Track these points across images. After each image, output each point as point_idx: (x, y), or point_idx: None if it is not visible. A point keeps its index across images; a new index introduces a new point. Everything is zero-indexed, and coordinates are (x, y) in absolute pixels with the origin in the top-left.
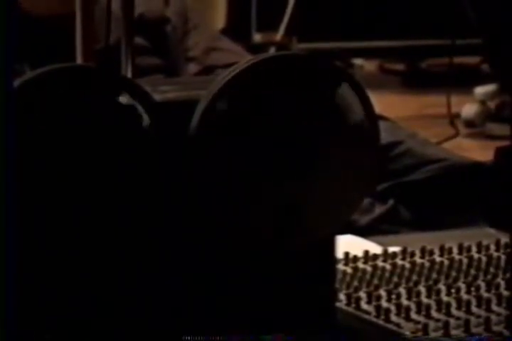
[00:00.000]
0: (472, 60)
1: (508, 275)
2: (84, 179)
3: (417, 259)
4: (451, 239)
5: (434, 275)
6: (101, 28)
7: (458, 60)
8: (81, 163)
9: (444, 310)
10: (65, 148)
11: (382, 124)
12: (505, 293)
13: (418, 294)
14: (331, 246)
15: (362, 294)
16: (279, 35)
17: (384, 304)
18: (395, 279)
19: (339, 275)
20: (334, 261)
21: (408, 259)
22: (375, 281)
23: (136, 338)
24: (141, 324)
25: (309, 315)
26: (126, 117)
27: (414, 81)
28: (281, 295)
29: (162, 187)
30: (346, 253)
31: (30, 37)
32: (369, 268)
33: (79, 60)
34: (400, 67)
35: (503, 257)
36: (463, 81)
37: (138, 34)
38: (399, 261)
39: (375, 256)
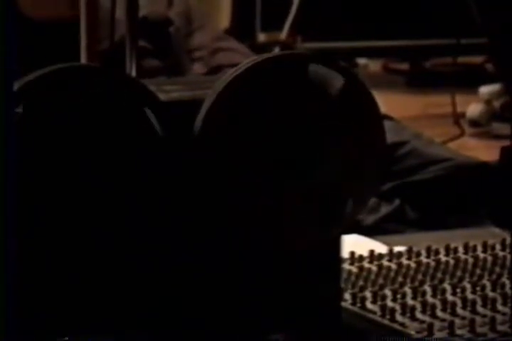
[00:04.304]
0: (477, 59)
1: None
2: (89, 180)
3: (423, 259)
4: (457, 238)
5: (440, 275)
6: (103, 29)
7: (462, 59)
8: (85, 163)
9: (449, 310)
10: (67, 148)
11: (386, 124)
12: (511, 292)
13: (423, 294)
14: (337, 245)
15: (367, 294)
16: (283, 35)
17: (389, 304)
18: (401, 279)
19: (344, 275)
20: (340, 260)
21: (414, 259)
22: (381, 281)
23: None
24: (142, 324)
25: (314, 315)
26: (131, 117)
27: (419, 80)
28: (286, 295)
29: (167, 187)
30: (352, 253)
31: (32, 41)
32: (374, 268)
33: (83, 61)
34: (404, 66)
35: (508, 257)
36: (468, 80)
37: (141, 36)
38: (404, 261)
39: (381, 256)
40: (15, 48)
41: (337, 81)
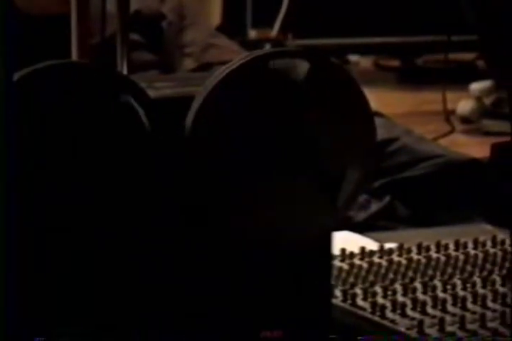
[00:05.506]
0: (468, 56)
1: (504, 271)
2: (78, 178)
3: (414, 255)
4: (448, 235)
5: (430, 272)
6: (95, 24)
7: (453, 56)
8: (75, 161)
9: (439, 307)
10: (59, 145)
11: (377, 121)
12: (501, 289)
13: (414, 290)
14: (328, 242)
15: (358, 290)
16: (274, 32)
17: (380, 300)
18: (391, 275)
19: (335, 272)
20: (330, 257)
21: (404, 256)
22: (371, 278)
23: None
24: (139, 321)
25: (305, 311)
26: (122, 114)
27: (410, 77)
28: (276, 292)
29: (158, 184)
30: (342, 250)
31: (25, 36)
32: (365, 265)
33: (74, 57)
34: (395, 63)
35: (499, 253)
36: (459, 77)
37: (134, 30)
38: (395, 258)
39: (372, 253)
40: (15, 46)
41: (329, 79)
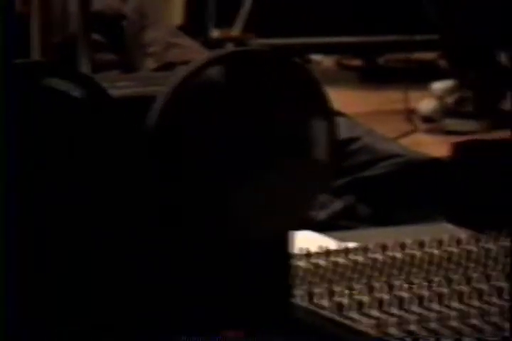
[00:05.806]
0: (429, 55)
1: (465, 270)
2: (45, 178)
3: (375, 255)
4: (409, 234)
5: (392, 271)
6: (57, 23)
7: (415, 55)
8: (41, 161)
9: (401, 306)
10: (24, 147)
11: (339, 120)
12: (462, 288)
13: (376, 290)
14: (287, 241)
15: (318, 290)
16: (236, 31)
17: (341, 300)
18: (352, 275)
19: (296, 271)
20: (290, 256)
21: (365, 255)
22: (332, 277)
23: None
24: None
25: (265, 311)
26: (82, 113)
27: (372, 77)
28: (236, 291)
29: (121, 185)
30: (304, 249)
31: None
32: (326, 264)
33: (35, 56)
34: (357, 62)
35: (460, 253)
36: (420, 76)
37: (94, 30)
38: (356, 257)
39: (333, 252)
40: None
41: (291, 79)
